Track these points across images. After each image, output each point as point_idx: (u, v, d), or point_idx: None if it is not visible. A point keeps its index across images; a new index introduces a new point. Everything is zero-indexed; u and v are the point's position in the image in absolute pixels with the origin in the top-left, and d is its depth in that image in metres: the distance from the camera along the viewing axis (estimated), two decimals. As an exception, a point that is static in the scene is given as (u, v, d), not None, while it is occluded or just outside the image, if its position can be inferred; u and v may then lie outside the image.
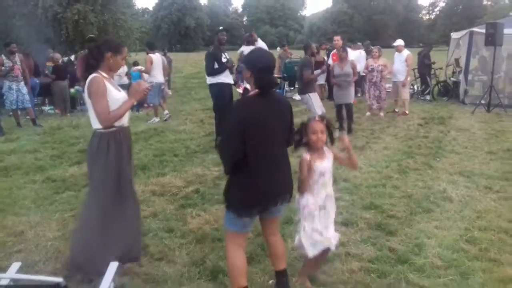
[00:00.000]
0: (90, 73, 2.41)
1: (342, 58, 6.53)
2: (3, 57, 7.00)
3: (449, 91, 10.02)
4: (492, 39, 8.02)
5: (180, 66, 19.87)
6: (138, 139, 6.04)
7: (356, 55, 9.43)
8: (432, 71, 10.35)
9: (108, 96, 2.38)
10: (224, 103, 5.44)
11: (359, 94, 9.86)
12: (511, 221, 3.32)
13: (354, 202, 3.67)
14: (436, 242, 2.96)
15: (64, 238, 3.08)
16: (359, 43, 11.84)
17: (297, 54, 12.32)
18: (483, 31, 8.47)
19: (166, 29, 54.72)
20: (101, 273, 1.61)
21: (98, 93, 2.36)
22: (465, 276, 2.53)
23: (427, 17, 60.23)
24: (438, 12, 56.26)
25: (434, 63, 10.27)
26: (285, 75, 10.70)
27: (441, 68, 10.81)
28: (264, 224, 2.31)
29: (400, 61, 8.03)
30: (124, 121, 2.51)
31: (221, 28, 6.12)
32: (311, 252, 2.29)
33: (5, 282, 1.59)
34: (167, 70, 10.13)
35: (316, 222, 2.29)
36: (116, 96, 2.44)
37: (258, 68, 2.07)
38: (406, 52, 8.06)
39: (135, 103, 2.53)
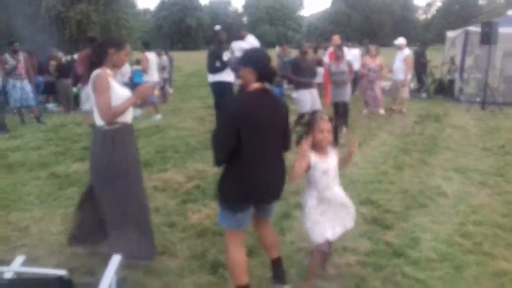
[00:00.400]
0: (94, 70, 2.44)
1: (338, 56, 6.59)
2: (7, 55, 7.01)
3: (445, 89, 10.09)
4: (488, 38, 8.07)
5: (181, 65, 19.81)
6: (140, 136, 6.07)
7: (354, 54, 9.49)
8: (428, 69, 10.42)
9: (112, 92, 2.41)
10: (225, 101, 5.49)
11: (356, 92, 9.91)
12: (505, 215, 3.37)
13: (351, 197, 3.63)
14: (431, 236, 3.01)
15: (67, 232, 3.10)
16: (355, 42, 11.90)
17: (296, 53, 12.35)
18: (479, 30, 8.52)
19: (167, 29, 54.89)
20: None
21: (101, 88, 2.38)
22: (459, 270, 2.57)
23: (424, 16, 60.30)
24: (434, 12, 56.33)
25: (429, 61, 10.33)
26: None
27: (436, 67, 10.87)
28: (254, 220, 2.31)
29: (400, 59, 8.05)
30: (127, 118, 2.53)
31: (217, 27, 6.17)
32: (317, 236, 2.26)
33: (9, 275, 1.65)
34: (167, 68, 10.18)
35: (319, 217, 2.28)
36: (120, 93, 2.46)
37: (257, 61, 2.10)
38: (406, 51, 8.08)
39: (138, 102, 2.55)
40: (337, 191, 2.35)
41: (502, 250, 2.81)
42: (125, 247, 2.44)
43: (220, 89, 5.65)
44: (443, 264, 2.65)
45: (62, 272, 1.43)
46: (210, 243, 2.94)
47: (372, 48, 8.10)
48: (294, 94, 7.02)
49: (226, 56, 5.63)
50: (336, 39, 8.10)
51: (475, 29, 9.16)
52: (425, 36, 42.95)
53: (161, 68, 10.03)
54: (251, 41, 5.86)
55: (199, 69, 17.22)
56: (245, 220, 2.15)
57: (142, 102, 2.65)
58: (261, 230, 2.38)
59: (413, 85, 10.53)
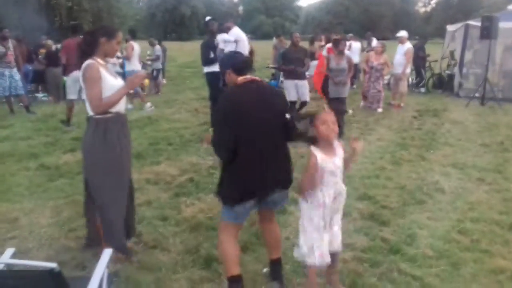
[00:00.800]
0: (85, 60, 2.39)
1: (339, 53, 6.39)
2: None
3: (444, 84, 10.05)
4: (488, 32, 8.02)
5: (175, 55, 19.63)
6: (132, 127, 5.93)
7: (355, 47, 9.42)
8: (427, 64, 10.36)
9: (103, 82, 2.36)
10: (220, 92, 5.41)
11: (354, 86, 9.84)
12: (503, 213, 3.36)
13: (348, 193, 3.59)
14: (428, 232, 3.00)
15: (58, 225, 3.07)
16: (356, 36, 11.79)
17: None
18: (479, 24, 8.45)
19: (160, 17, 53.61)
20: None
21: (91, 79, 2.34)
22: (456, 267, 2.56)
23: (423, 9, 60.02)
24: (434, 5, 56.10)
25: (428, 55, 10.27)
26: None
27: (436, 61, 10.82)
28: (260, 213, 2.32)
29: (401, 53, 7.96)
30: (120, 107, 2.48)
31: (207, 18, 6.04)
32: (311, 258, 2.10)
33: None
34: (160, 58, 10.02)
35: (319, 221, 2.10)
36: (111, 83, 2.41)
37: (234, 62, 2.18)
38: (407, 45, 7.99)
39: (129, 91, 2.51)
40: (341, 190, 2.15)
41: (499, 247, 2.80)
42: (113, 237, 2.43)
43: (214, 80, 5.58)
44: (440, 261, 2.64)
45: (52, 265, 1.41)
46: (204, 237, 2.90)
47: (379, 44, 7.92)
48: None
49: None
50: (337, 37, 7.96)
51: (475, 23, 9.09)
52: (425, 29, 42.75)
53: (154, 59, 9.90)
54: (236, 33, 5.57)
55: (193, 59, 17.05)
56: (243, 214, 2.17)
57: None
58: (264, 225, 2.35)
59: (411, 79, 10.48)
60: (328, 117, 2.03)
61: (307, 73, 6.77)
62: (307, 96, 6.32)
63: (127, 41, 7.96)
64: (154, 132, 6.00)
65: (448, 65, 10.39)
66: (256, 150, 2.06)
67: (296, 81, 6.25)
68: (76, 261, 2.57)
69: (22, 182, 3.95)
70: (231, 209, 2.12)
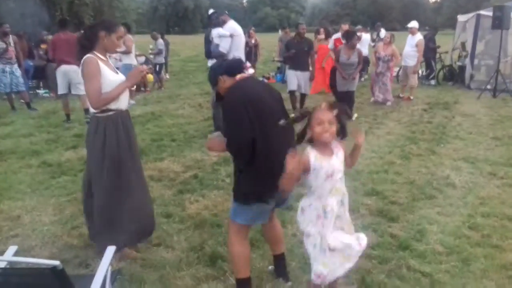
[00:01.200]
0: (85, 54, 2.36)
1: (351, 46, 6.20)
2: None
3: (455, 76, 9.85)
4: (499, 22, 7.86)
5: (178, 49, 19.61)
6: (135, 123, 5.89)
7: (364, 39, 9.26)
8: (438, 55, 10.16)
9: (102, 77, 2.33)
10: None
11: (362, 79, 9.69)
12: (515, 207, 3.28)
13: (356, 188, 3.63)
14: (438, 228, 2.94)
15: (60, 222, 3.06)
16: (366, 27, 11.60)
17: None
18: (490, 14, 8.29)
19: (163, 11, 53.26)
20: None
21: (90, 73, 2.31)
22: (467, 263, 2.51)
23: (434, -1, 59.01)
24: (445, -5, 55.03)
25: (439, 47, 10.07)
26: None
27: (446, 52, 10.61)
28: None
29: (411, 45, 7.78)
30: (122, 104, 2.45)
31: (211, 10, 5.94)
32: (311, 273, 1.89)
33: (2, 264, 1.65)
34: (163, 53, 9.95)
35: (316, 236, 1.87)
36: (111, 78, 2.38)
37: (226, 65, 2.09)
38: (418, 36, 7.82)
39: (130, 87, 2.48)
40: (343, 197, 1.93)
41: (510, 243, 2.75)
42: (111, 235, 2.40)
43: None
44: (450, 257, 2.59)
45: (55, 262, 1.39)
46: (208, 234, 2.87)
47: (387, 35, 7.72)
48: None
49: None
50: (345, 28, 7.84)
51: (486, 13, 8.88)
52: (435, 20, 42.06)
53: (157, 52, 9.85)
54: (231, 27, 5.34)
55: (197, 53, 17.02)
56: (262, 215, 2.08)
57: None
58: (265, 223, 2.28)
59: (421, 71, 10.29)
60: (324, 116, 1.82)
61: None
62: (307, 89, 6.40)
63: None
64: (157, 128, 5.98)
65: (459, 57, 10.17)
66: (273, 144, 1.94)
67: (298, 72, 6.32)
68: (79, 259, 2.56)
69: (24, 180, 3.95)
70: (249, 210, 2.00)
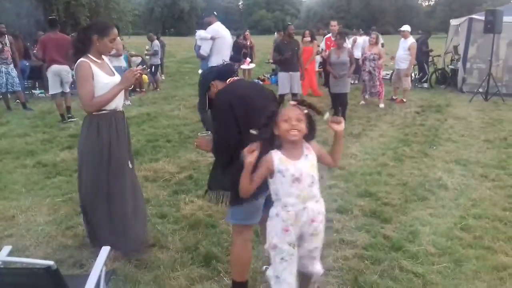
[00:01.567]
0: (79, 57, 2.36)
1: (339, 45, 6.38)
2: None
3: (447, 79, 9.96)
4: (491, 26, 7.94)
5: (174, 51, 19.54)
6: (130, 124, 5.87)
7: (359, 42, 9.36)
8: (430, 59, 10.26)
9: (95, 81, 2.33)
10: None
11: (356, 81, 9.76)
12: (506, 209, 3.32)
13: (349, 190, 3.65)
14: (430, 229, 2.96)
15: (55, 223, 3.05)
16: (362, 30, 11.70)
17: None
18: (483, 18, 8.38)
19: (159, 12, 53.21)
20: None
21: (82, 77, 2.32)
22: (459, 264, 2.53)
23: (426, 3, 59.61)
24: (437, -1, 55.70)
25: (432, 50, 10.17)
26: None
27: (439, 56, 10.72)
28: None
29: (404, 48, 7.87)
30: (116, 105, 2.46)
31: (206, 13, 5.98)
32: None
33: None
34: (158, 54, 9.94)
35: (284, 248, 1.75)
36: (105, 81, 2.37)
37: (217, 71, 2.10)
38: (411, 40, 7.89)
39: (125, 88, 2.48)
40: (315, 208, 1.73)
41: (502, 244, 2.76)
42: (98, 240, 2.41)
43: None
44: (442, 258, 2.60)
45: (49, 262, 1.39)
46: (203, 235, 2.87)
47: (373, 35, 7.88)
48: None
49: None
50: (334, 25, 7.94)
51: (479, 17, 8.99)
52: (428, 24, 42.42)
53: (152, 53, 9.84)
54: (214, 29, 5.18)
55: (193, 55, 16.92)
56: (254, 213, 2.05)
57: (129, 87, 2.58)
58: (262, 224, 2.28)
59: (414, 74, 10.40)
60: (291, 113, 1.66)
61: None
62: (300, 88, 6.48)
63: None
64: (152, 129, 5.97)
65: (452, 60, 10.29)
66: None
67: (290, 72, 6.45)
68: (73, 259, 2.55)
69: (19, 180, 3.92)
70: (240, 208, 2.00)
